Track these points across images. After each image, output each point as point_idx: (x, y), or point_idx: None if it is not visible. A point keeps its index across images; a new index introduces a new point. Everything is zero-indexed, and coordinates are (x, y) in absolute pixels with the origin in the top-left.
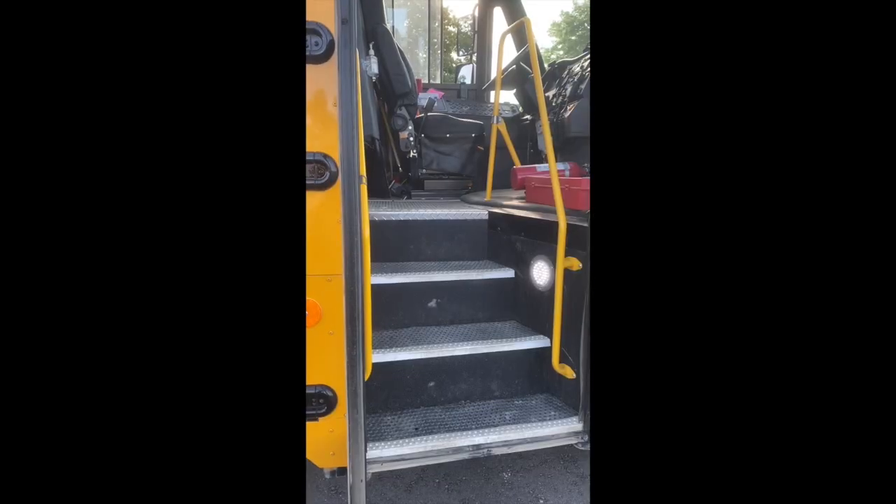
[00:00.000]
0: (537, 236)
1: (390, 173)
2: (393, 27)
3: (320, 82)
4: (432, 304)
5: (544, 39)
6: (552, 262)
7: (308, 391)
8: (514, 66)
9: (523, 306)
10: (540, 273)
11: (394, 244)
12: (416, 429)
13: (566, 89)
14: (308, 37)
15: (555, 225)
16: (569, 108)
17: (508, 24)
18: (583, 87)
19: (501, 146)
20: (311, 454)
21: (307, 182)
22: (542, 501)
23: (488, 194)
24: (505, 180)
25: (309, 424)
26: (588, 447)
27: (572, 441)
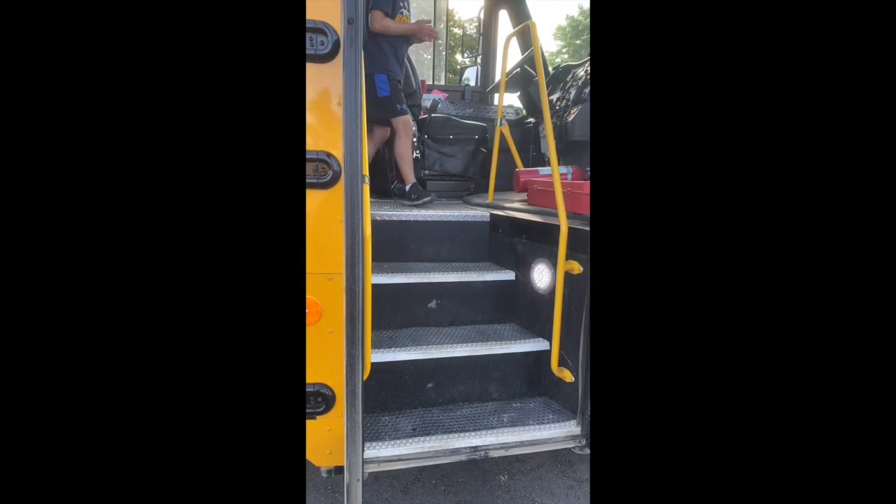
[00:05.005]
0: (538, 239)
1: (393, 173)
2: None
3: (325, 81)
4: (432, 304)
5: (549, 43)
6: (553, 265)
7: (307, 389)
8: (519, 69)
9: (523, 309)
10: (540, 276)
11: (395, 244)
12: (414, 429)
13: (570, 93)
14: (314, 36)
15: (556, 228)
16: (572, 111)
17: (514, 28)
18: (587, 91)
19: (504, 149)
20: (308, 453)
21: (310, 181)
22: None
23: (490, 196)
24: (507, 183)
25: (307, 423)
26: (585, 451)
27: (570, 444)
